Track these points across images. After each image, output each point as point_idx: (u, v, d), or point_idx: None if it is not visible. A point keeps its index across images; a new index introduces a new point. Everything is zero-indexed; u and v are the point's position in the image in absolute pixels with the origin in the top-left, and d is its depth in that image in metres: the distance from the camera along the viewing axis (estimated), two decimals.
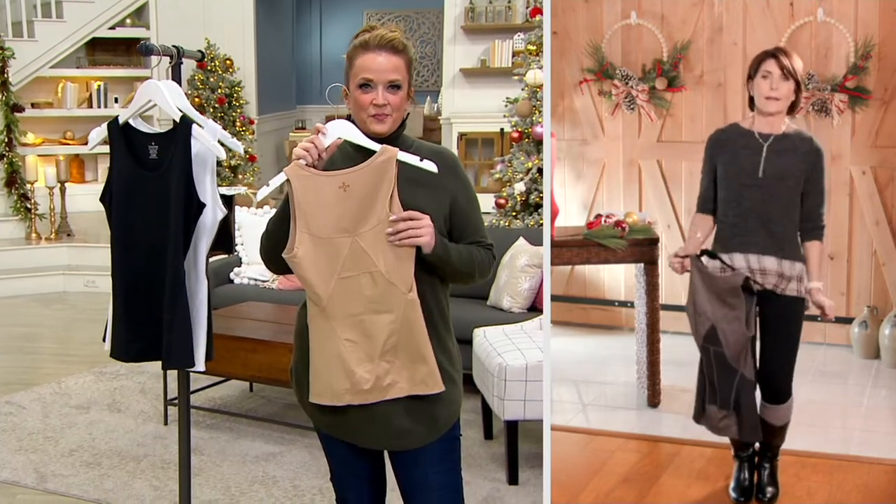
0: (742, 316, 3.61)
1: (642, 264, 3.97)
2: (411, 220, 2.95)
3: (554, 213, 3.69)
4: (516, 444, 5.23)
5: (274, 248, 3.09)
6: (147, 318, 3.60)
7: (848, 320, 3.92)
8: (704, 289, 3.64)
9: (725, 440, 3.80)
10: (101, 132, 3.68)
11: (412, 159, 2.97)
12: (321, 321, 3.02)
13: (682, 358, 4.02)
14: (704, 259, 3.67)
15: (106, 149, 3.63)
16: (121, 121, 3.58)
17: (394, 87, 3.03)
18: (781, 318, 3.67)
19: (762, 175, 3.60)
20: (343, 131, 3.03)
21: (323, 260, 2.98)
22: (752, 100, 3.65)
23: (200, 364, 3.63)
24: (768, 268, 3.63)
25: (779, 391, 3.72)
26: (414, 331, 3.00)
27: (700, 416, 3.75)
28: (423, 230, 2.96)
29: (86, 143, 3.76)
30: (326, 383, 3.04)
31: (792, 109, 3.62)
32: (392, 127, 3.07)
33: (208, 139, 3.51)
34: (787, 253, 3.63)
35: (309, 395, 3.09)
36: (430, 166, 3.00)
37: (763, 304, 3.68)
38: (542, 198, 8.19)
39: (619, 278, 4.16)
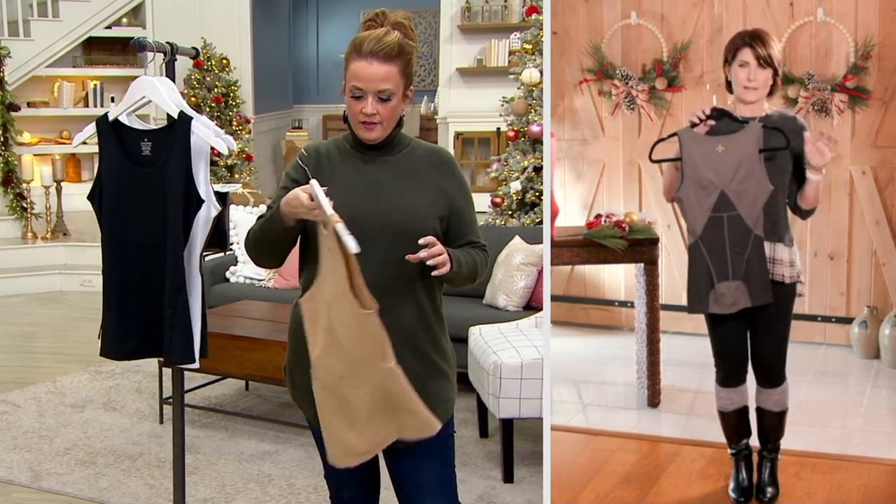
0: (757, 170, 3.54)
1: (642, 264, 3.96)
2: (430, 245, 2.95)
3: (554, 213, 3.69)
4: (511, 442, 5.23)
5: (261, 253, 3.09)
6: (141, 316, 3.59)
7: (848, 320, 3.92)
8: (705, 157, 3.57)
9: (725, 440, 3.79)
10: (88, 130, 3.66)
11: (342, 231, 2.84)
12: (315, 385, 2.99)
13: (682, 358, 4.02)
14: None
15: None
16: (111, 117, 3.56)
17: (384, 97, 3.00)
18: (775, 307, 3.64)
19: None
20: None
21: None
22: (729, 84, 3.65)
23: (196, 361, 3.63)
24: None
25: (773, 375, 3.72)
26: (396, 398, 2.94)
27: (702, 303, 3.64)
28: (444, 255, 2.97)
29: (83, 143, 3.73)
30: (330, 447, 3.03)
31: (771, 93, 3.61)
32: (382, 134, 3.06)
33: (209, 134, 3.50)
34: (780, 237, 3.62)
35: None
36: (351, 243, 2.83)
37: None
38: (537, 196, 8.21)
39: (619, 278, 4.15)
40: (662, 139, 3.64)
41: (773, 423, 3.76)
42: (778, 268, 3.62)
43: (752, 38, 3.56)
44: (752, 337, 3.71)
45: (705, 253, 3.58)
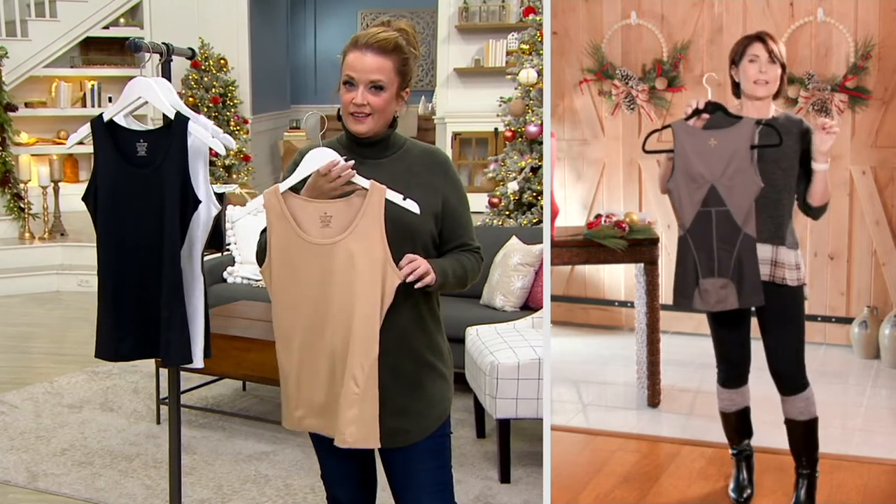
0: (748, 166, 3.51)
1: (642, 264, 3.95)
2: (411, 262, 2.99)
3: (554, 213, 3.68)
4: (508, 442, 5.24)
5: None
6: (138, 316, 3.57)
7: (848, 320, 3.91)
8: (697, 150, 3.55)
9: (725, 440, 3.78)
10: (83, 131, 3.64)
11: (395, 197, 2.98)
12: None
13: (682, 358, 4.02)
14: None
15: None
16: (106, 118, 3.54)
17: (376, 87, 3.01)
18: (783, 311, 3.62)
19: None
20: (321, 160, 3.01)
21: None
22: (736, 87, 3.62)
23: (199, 361, 3.62)
24: (762, 257, 3.59)
25: (793, 382, 3.67)
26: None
27: (686, 298, 3.62)
28: (424, 267, 2.99)
29: (80, 144, 3.72)
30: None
31: (777, 95, 3.59)
32: (372, 128, 3.06)
33: (206, 135, 3.49)
34: (783, 240, 3.60)
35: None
36: (412, 206, 2.99)
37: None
38: (534, 197, 8.21)
39: (619, 278, 4.15)
40: (656, 130, 3.63)
41: (801, 434, 3.70)
42: (780, 270, 3.61)
43: (762, 34, 3.56)
44: (765, 344, 3.67)
45: (692, 247, 3.57)
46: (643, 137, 3.64)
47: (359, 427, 2.98)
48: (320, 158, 2.97)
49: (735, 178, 3.52)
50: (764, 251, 3.60)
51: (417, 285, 2.97)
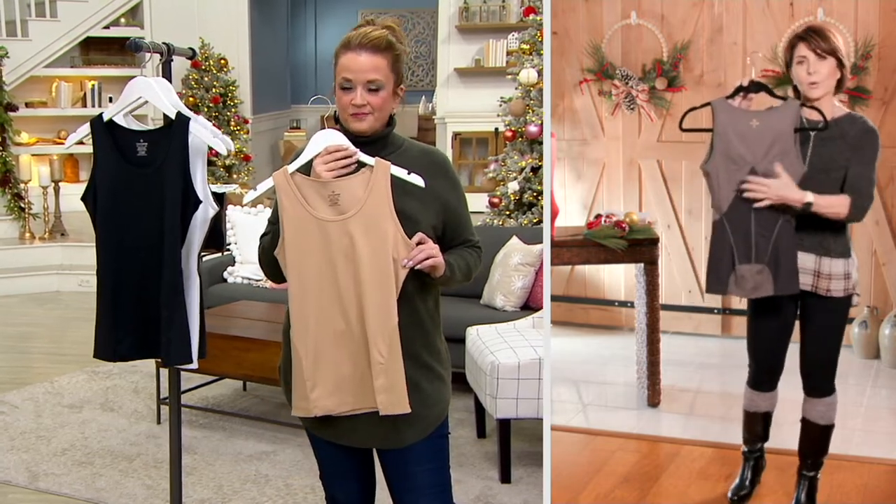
0: (791, 149, 3.42)
1: (642, 264, 3.95)
2: (422, 243, 3.00)
3: (554, 213, 3.67)
4: (509, 442, 5.24)
5: (278, 274, 3.16)
6: (137, 317, 3.56)
7: (848, 320, 3.91)
8: (738, 131, 3.45)
9: (725, 440, 3.78)
10: (82, 130, 3.64)
11: (400, 172, 3.00)
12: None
13: (682, 358, 4.01)
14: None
15: None
16: (105, 118, 3.54)
17: (374, 87, 3.02)
18: (823, 320, 3.57)
19: (807, 167, 3.46)
20: (330, 141, 3.02)
21: None
22: (795, 88, 3.52)
23: (195, 361, 3.62)
24: (804, 266, 3.50)
25: (821, 385, 3.62)
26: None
27: (721, 284, 3.52)
28: (437, 253, 3.01)
29: (80, 144, 3.71)
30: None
31: (839, 87, 3.49)
32: (373, 126, 3.07)
33: (208, 135, 3.48)
34: (828, 250, 3.51)
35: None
36: (417, 180, 3.01)
37: (804, 302, 3.57)
38: (535, 197, 8.21)
39: (619, 278, 4.15)
40: (694, 108, 3.55)
41: (815, 437, 3.67)
42: (822, 282, 3.52)
43: (807, 33, 3.47)
44: (801, 342, 3.62)
45: (729, 232, 3.46)
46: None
47: (388, 395, 2.99)
48: (327, 140, 2.99)
49: (777, 162, 3.43)
50: (806, 260, 3.52)
51: (426, 262, 2.97)
